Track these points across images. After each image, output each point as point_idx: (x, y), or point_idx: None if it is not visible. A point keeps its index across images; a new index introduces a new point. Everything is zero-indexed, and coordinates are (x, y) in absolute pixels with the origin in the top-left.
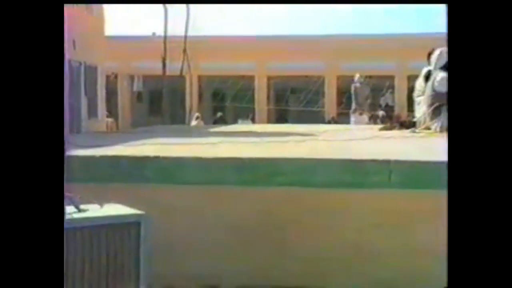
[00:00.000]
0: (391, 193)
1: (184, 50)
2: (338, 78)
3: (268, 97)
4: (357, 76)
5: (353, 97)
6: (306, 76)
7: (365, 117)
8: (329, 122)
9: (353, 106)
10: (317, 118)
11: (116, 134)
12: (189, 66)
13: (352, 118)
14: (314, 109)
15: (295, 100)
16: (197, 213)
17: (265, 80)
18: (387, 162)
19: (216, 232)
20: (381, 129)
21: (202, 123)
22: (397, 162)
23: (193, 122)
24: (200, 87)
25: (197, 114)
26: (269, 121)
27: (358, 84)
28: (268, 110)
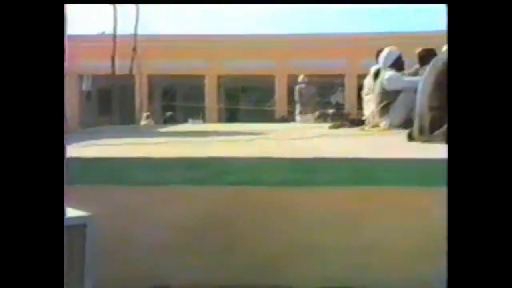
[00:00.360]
0: (339, 190)
1: (134, 49)
2: (289, 77)
3: (218, 96)
4: (301, 77)
5: (297, 98)
6: (257, 75)
7: (310, 116)
8: (279, 121)
9: (298, 107)
10: (268, 116)
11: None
12: (138, 65)
13: (298, 118)
14: (265, 108)
15: (246, 99)
16: (145, 214)
17: (215, 79)
18: (335, 159)
19: (166, 232)
20: (330, 127)
21: (152, 122)
22: (345, 159)
23: (143, 122)
24: (150, 86)
25: (147, 113)
26: (220, 120)
27: (303, 85)
28: (219, 109)
